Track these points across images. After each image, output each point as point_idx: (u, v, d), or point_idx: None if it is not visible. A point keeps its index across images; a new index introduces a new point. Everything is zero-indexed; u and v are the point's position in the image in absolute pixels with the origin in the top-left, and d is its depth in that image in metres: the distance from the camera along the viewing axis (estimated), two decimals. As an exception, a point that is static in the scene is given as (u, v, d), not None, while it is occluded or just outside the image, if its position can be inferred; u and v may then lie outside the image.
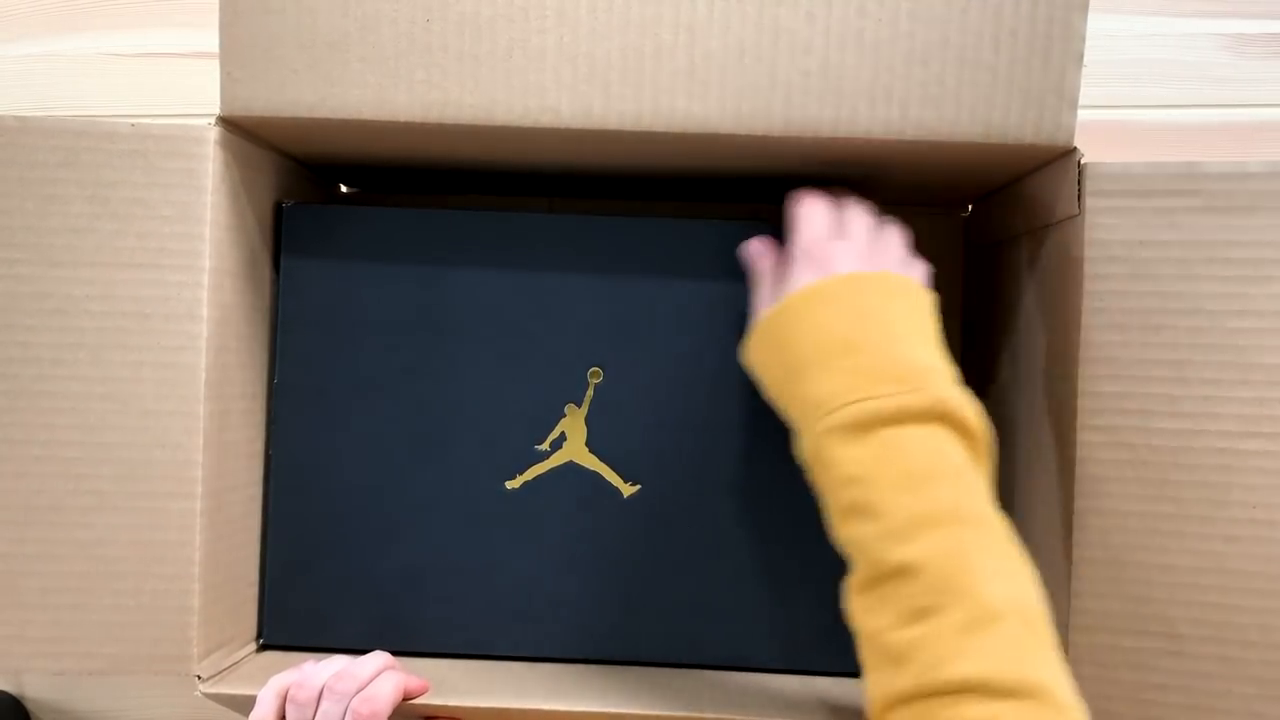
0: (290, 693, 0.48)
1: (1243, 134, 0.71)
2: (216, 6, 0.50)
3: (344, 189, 0.70)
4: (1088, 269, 0.49)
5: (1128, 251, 0.49)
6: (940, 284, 0.69)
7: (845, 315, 0.46)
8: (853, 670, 0.56)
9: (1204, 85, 0.71)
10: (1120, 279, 0.49)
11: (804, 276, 0.48)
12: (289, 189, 0.60)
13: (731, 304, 0.56)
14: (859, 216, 0.52)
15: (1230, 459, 0.48)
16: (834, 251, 0.49)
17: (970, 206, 0.69)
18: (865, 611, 0.43)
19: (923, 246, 0.68)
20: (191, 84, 0.74)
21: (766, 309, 0.50)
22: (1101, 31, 0.71)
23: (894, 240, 0.52)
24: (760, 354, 0.51)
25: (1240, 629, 0.48)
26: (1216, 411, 0.48)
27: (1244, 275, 0.48)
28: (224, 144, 0.51)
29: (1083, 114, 0.49)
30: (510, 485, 0.57)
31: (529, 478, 0.57)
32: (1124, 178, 0.49)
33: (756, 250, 0.54)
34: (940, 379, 0.45)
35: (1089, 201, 0.49)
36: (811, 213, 0.51)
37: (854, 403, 0.44)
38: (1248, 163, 0.48)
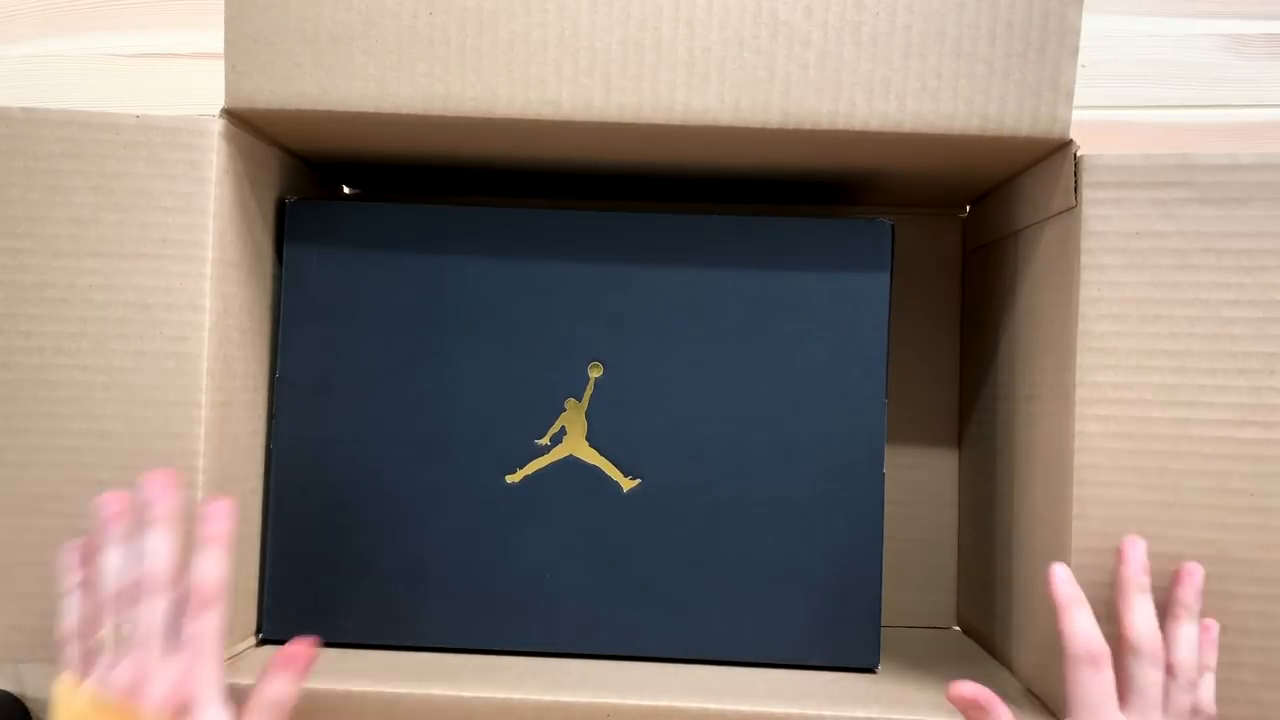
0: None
1: (1241, 134, 0.71)
2: (219, 6, 0.50)
3: (346, 190, 0.71)
4: (1085, 260, 0.49)
5: (1124, 243, 0.49)
6: (939, 285, 0.70)
7: None
8: (850, 665, 0.56)
9: (1203, 85, 0.71)
10: (1117, 270, 0.49)
11: None
12: (293, 187, 0.60)
13: (732, 297, 0.57)
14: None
15: (1228, 447, 0.49)
16: None
17: (968, 208, 0.69)
18: None
19: (922, 248, 0.69)
20: (193, 84, 0.75)
21: None
22: (1100, 31, 0.71)
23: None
24: None
25: (1239, 616, 0.48)
26: (1213, 400, 0.49)
27: (1238, 265, 0.48)
28: (228, 136, 0.52)
29: (1081, 114, 0.50)
30: (510, 479, 0.57)
31: (529, 472, 0.57)
32: (1120, 169, 0.49)
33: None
34: None
35: (1086, 193, 0.49)
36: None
37: None
38: (1239, 154, 0.48)
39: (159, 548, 0.45)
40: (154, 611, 0.44)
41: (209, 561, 0.45)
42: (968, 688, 0.46)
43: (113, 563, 0.46)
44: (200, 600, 0.45)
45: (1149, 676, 0.45)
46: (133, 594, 0.45)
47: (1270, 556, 0.48)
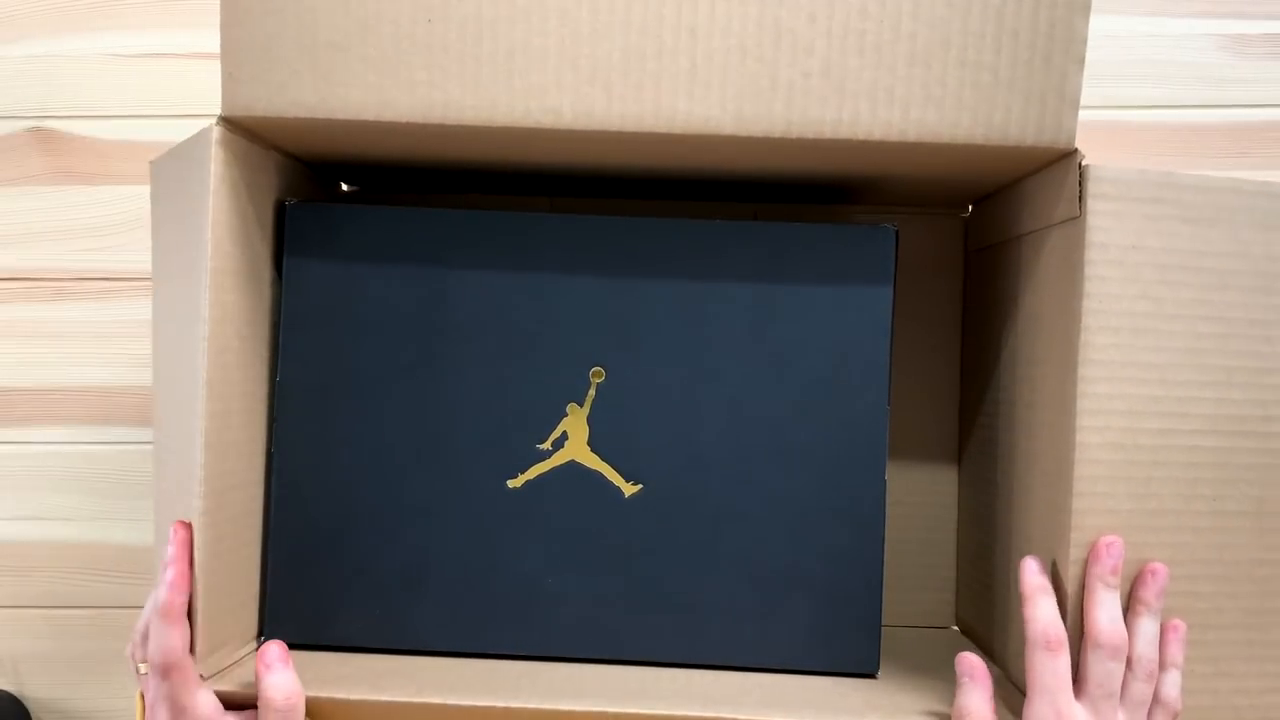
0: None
1: (1242, 134, 0.71)
2: (218, 7, 0.50)
3: (345, 188, 0.70)
4: (1088, 270, 0.49)
5: (1122, 255, 0.49)
6: (940, 286, 0.70)
7: None
8: (850, 670, 0.57)
9: (1203, 85, 0.71)
10: (1116, 282, 0.49)
11: None
12: (290, 188, 0.60)
13: (734, 303, 0.56)
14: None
15: (1197, 455, 0.51)
16: None
17: (970, 208, 0.69)
18: None
19: (923, 248, 0.69)
20: (194, 85, 0.74)
21: None
22: (1101, 31, 0.71)
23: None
24: None
25: (1200, 614, 0.51)
26: (1186, 411, 0.51)
27: (1209, 283, 0.50)
28: (225, 144, 0.51)
29: (1082, 114, 0.50)
30: (512, 484, 0.57)
31: (530, 477, 0.57)
32: (1123, 181, 0.49)
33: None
34: None
35: (1090, 204, 0.49)
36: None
37: None
38: (1211, 176, 0.50)
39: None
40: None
41: (161, 633, 0.49)
42: (973, 660, 0.50)
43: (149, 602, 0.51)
44: (158, 671, 0.49)
45: (1106, 667, 0.48)
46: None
47: (1225, 556, 0.51)
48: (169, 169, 0.56)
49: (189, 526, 0.50)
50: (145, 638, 0.49)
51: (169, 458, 0.53)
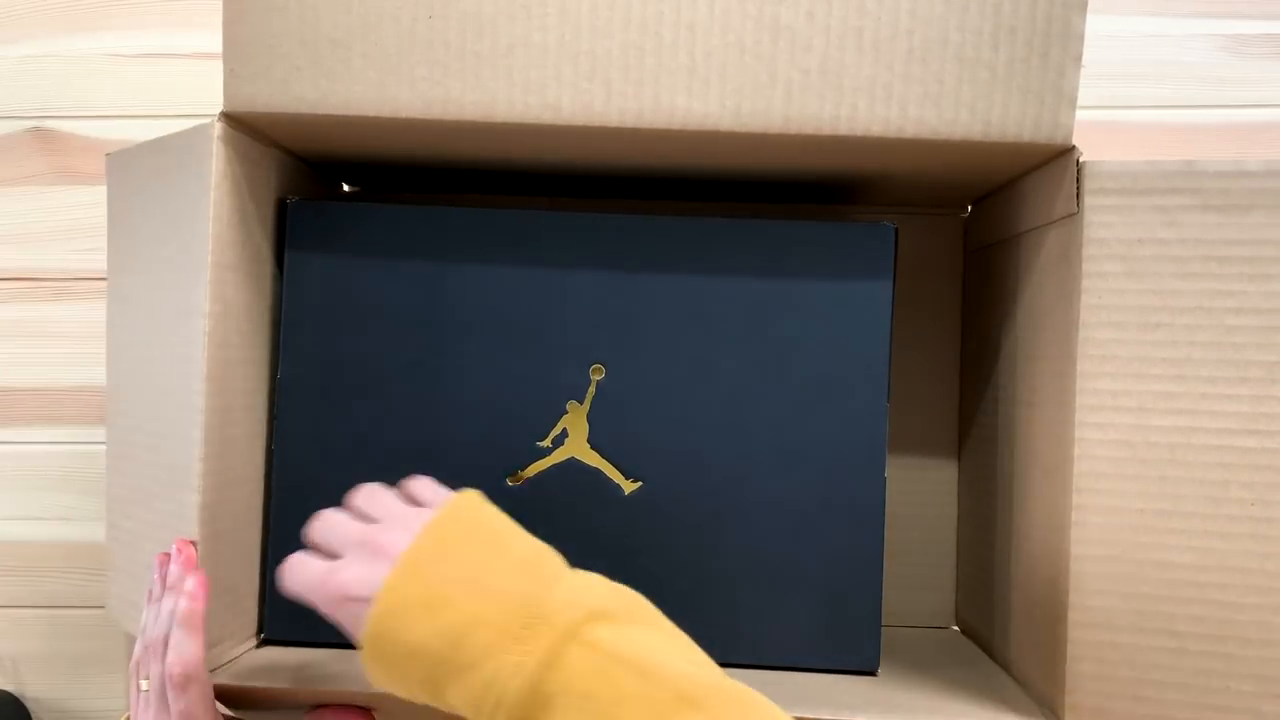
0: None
1: (1242, 134, 0.71)
2: (219, 7, 0.50)
3: (346, 188, 0.71)
4: (1086, 267, 0.49)
5: (1126, 250, 0.49)
6: (940, 285, 0.70)
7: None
8: (851, 668, 0.57)
9: (1204, 85, 0.72)
10: (1118, 277, 0.49)
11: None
12: (292, 186, 0.60)
13: (734, 301, 0.56)
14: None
15: (1228, 456, 0.48)
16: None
17: (969, 207, 0.69)
18: None
19: (923, 247, 0.69)
20: (194, 85, 0.75)
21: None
22: (1101, 31, 0.71)
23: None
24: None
25: (1239, 626, 0.48)
26: (1214, 409, 0.48)
27: (1241, 273, 0.48)
28: (227, 140, 0.51)
29: (1082, 114, 0.50)
30: (512, 481, 0.57)
31: (531, 474, 0.57)
32: (1122, 176, 0.49)
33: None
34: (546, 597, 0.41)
35: (1088, 200, 0.49)
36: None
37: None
38: (1245, 161, 0.48)
39: (164, 617, 0.48)
40: (156, 676, 0.47)
41: (181, 643, 0.47)
42: None
43: (147, 619, 0.49)
44: (177, 684, 0.47)
45: None
46: (149, 653, 0.48)
47: (1268, 566, 0.48)
48: (138, 162, 0.56)
49: (193, 544, 0.50)
50: (151, 651, 0.48)
51: (136, 454, 0.53)
